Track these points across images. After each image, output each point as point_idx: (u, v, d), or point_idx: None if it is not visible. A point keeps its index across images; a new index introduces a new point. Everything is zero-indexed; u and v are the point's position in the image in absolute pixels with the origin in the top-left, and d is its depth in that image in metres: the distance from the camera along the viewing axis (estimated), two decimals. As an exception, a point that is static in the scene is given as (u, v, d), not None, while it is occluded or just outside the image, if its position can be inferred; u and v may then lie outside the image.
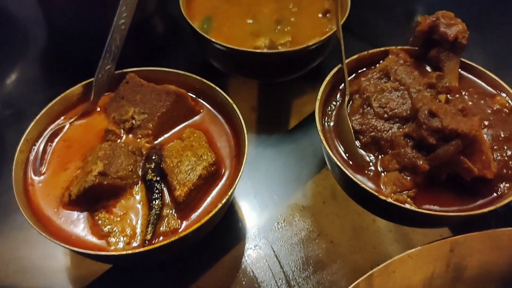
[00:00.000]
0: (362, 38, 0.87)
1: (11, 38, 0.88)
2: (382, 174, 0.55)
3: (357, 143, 0.58)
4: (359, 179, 0.54)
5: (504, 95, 0.61)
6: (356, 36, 0.87)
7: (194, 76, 0.62)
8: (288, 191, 0.66)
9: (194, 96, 0.63)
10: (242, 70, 0.74)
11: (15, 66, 0.83)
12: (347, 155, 0.57)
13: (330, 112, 0.62)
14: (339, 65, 0.63)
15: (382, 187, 0.54)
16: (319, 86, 0.80)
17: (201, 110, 0.62)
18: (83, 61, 0.82)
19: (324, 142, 0.56)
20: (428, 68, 0.65)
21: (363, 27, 0.89)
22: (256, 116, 0.76)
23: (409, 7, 0.95)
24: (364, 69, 0.66)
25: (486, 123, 0.59)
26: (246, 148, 0.54)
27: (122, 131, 0.59)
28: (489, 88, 0.63)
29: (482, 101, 0.61)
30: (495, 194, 0.53)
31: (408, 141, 0.55)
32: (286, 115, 0.76)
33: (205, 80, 0.61)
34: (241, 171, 0.52)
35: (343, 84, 0.63)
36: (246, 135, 0.55)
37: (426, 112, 0.53)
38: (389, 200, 0.51)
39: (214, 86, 0.60)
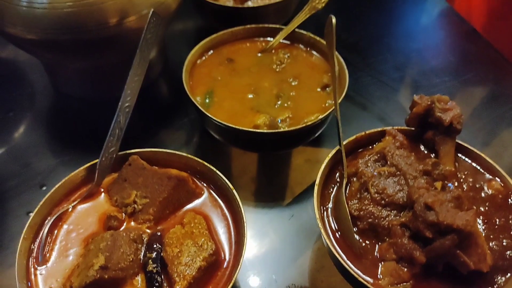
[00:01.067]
0: (360, 104, 0.89)
1: (19, 98, 0.90)
2: (380, 263, 0.56)
3: (355, 228, 0.59)
4: (355, 269, 0.55)
5: (498, 180, 0.63)
6: (354, 101, 0.89)
7: (195, 158, 0.63)
8: (286, 270, 0.66)
9: (195, 178, 0.64)
10: (241, 144, 0.76)
11: (18, 130, 0.85)
12: (345, 240, 0.59)
13: (329, 194, 0.63)
14: (337, 147, 0.65)
15: (379, 277, 0.55)
16: (319, 155, 0.82)
17: (202, 193, 0.63)
18: (86, 127, 0.86)
19: (322, 230, 0.57)
20: (424, 149, 0.67)
21: (359, 92, 0.91)
22: (255, 188, 0.77)
23: (405, 73, 0.98)
24: (361, 149, 0.68)
25: (481, 209, 0.60)
26: (245, 239, 0.55)
27: (124, 215, 0.60)
28: (484, 172, 0.64)
29: (478, 185, 0.63)
30: (492, 287, 0.54)
31: (405, 230, 0.56)
32: (285, 187, 0.77)
33: (206, 163, 0.63)
34: (240, 262, 0.53)
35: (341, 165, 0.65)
36: (245, 224, 0.56)
37: (422, 204, 0.54)
38: (386, 296, 0.52)
39: (214, 169, 0.62)
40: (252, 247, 0.68)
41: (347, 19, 1.10)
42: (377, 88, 0.93)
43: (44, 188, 0.75)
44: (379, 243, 0.57)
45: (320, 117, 0.70)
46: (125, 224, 0.59)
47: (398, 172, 0.61)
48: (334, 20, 0.66)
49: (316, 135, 0.77)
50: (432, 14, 1.16)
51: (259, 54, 0.84)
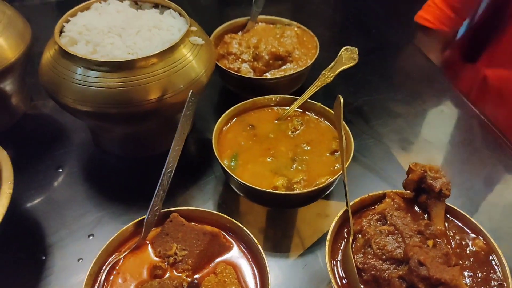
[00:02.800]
0: (363, 164, 1.02)
1: (66, 155, 1.03)
2: (382, 310, 0.67)
3: (360, 279, 0.70)
4: (362, 315, 0.66)
5: (481, 238, 0.74)
6: (358, 161, 1.02)
7: (225, 216, 0.75)
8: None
9: (225, 233, 0.76)
10: (262, 201, 0.89)
11: (66, 184, 0.98)
12: (352, 289, 0.70)
13: (337, 248, 0.75)
14: (345, 208, 0.77)
15: (381, 321, 0.66)
16: (328, 210, 0.94)
17: (232, 246, 0.74)
18: (127, 182, 0.98)
19: (333, 280, 0.68)
20: (419, 210, 0.79)
21: (362, 153, 1.04)
22: (272, 239, 0.88)
23: (403, 135, 1.11)
24: (365, 209, 0.80)
25: (467, 263, 0.71)
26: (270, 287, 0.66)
27: (166, 265, 0.71)
28: (469, 231, 0.76)
29: (464, 243, 0.74)
30: (475, 332, 0.64)
31: (403, 282, 0.67)
32: (299, 238, 0.89)
33: (234, 221, 0.75)
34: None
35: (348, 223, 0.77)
36: (269, 274, 0.67)
37: (416, 261, 0.66)
38: (387, 338, 0.62)
39: (242, 226, 0.74)
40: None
41: (353, 85, 1.24)
42: (379, 149, 1.06)
43: (92, 237, 0.87)
44: (381, 292, 0.69)
45: (330, 180, 0.83)
46: (168, 273, 0.71)
47: (396, 231, 0.73)
48: (341, 101, 0.80)
49: (327, 193, 0.89)
50: (429, 84, 1.30)
51: (276, 121, 0.98)
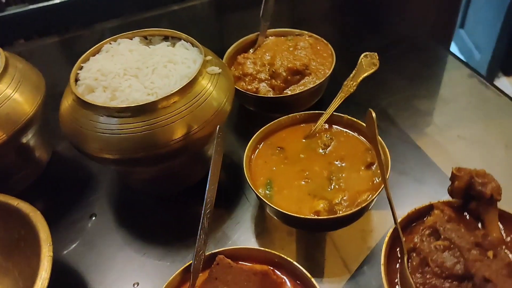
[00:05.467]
0: (401, 172, 0.99)
1: (97, 201, 1.02)
2: (451, 332, 0.64)
3: (423, 300, 0.67)
4: None
5: (542, 240, 0.71)
6: (395, 169, 0.99)
7: (273, 252, 0.73)
8: None
9: (275, 269, 0.73)
10: (304, 227, 0.86)
11: (102, 232, 0.96)
12: (415, 312, 0.67)
13: (392, 270, 0.72)
14: (394, 226, 0.74)
15: None
16: (370, 224, 0.91)
17: (284, 282, 0.72)
18: (162, 222, 0.96)
19: (395, 308, 0.65)
20: (470, 218, 0.76)
21: (395, 158, 1.01)
22: (320, 265, 0.86)
23: (433, 135, 1.07)
24: (415, 224, 0.77)
25: (531, 270, 0.68)
26: (332, 324, 0.64)
27: (221, 311, 0.69)
28: (527, 234, 0.72)
29: (524, 247, 0.71)
30: None
31: (468, 301, 0.64)
32: (347, 260, 0.86)
33: (283, 255, 0.72)
34: None
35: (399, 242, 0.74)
36: (329, 310, 0.65)
37: (480, 277, 0.63)
38: None
39: (291, 260, 0.71)
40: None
41: (372, 86, 1.20)
42: (412, 153, 1.03)
43: (137, 286, 0.85)
44: (447, 313, 0.66)
45: (371, 197, 0.80)
46: (223, 319, 0.69)
47: (452, 245, 0.70)
48: (374, 115, 0.77)
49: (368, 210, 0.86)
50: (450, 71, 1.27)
51: (304, 140, 0.95)
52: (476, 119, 1.11)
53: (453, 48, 3.16)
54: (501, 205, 0.74)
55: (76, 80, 0.90)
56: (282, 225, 0.90)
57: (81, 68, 0.92)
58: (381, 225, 0.90)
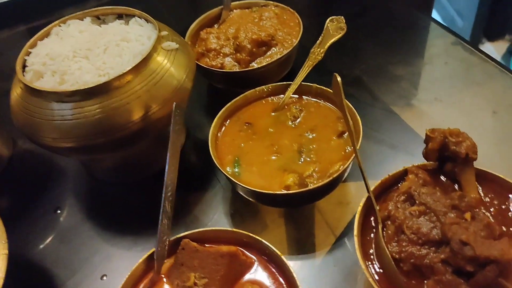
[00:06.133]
0: (374, 138, 0.95)
1: (62, 194, 0.96)
2: (431, 301, 0.61)
3: (400, 270, 0.64)
4: (410, 311, 0.60)
5: (522, 198, 0.67)
6: (369, 137, 0.94)
7: (241, 231, 0.69)
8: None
9: (243, 249, 0.69)
10: (276, 204, 0.82)
11: (68, 226, 0.91)
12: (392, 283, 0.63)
13: (368, 241, 0.68)
14: (367, 195, 0.70)
15: (432, 313, 0.60)
16: (348, 196, 0.87)
17: (253, 262, 0.68)
18: (130, 211, 0.92)
19: (371, 280, 0.61)
20: (445, 180, 0.72)
21: (371, 126, 0.96)
22: (295, 241, 0.82)
23: (410, 99, 1.03)
24: (388, 190, 0.73)
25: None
26: (303, 302, 0.60)
27: (188, 298, 0.65)
28: (506, 192, 0.68)
29: (504, 207, 0.67)
30: (538, 305, 0.58)
31: (447, 266, 0.60)
32: (323, 234, 0.82)
33: (251, 234, 0.68)
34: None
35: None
36: (299, 286, 0.61)
37: (458, 241, 0.59)
38: (443, 333, 0.56)
39: (261, 239, 0.67)
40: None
41: (345, 55, 1.16)
42: (388, 120, 0.98)
43: (105, 278, 0.80)
44: (426, 281, 0.62)
45: (343, 167, 0.76)
46: (191, 306, 0.65)
47: (428, 210, 0.66)
48: (339, 79, 0.72)
49: (343, 179, 0.82)
50: (424, 36, 1.22)
51: (273, 113, 0.90)
52: (460, 85, 1.07)
53: (435, 15, 3.11)
54: (495, 171, 0.70)
55: (24, 66, 0.85)
56: (255, 204, 0.86)
57: (28, 53, 0.86)
58: (359, 197, 0.85)
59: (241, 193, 0.83)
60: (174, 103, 0.72)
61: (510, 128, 0.95)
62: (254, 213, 0.87)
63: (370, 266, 0.65)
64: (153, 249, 0.68)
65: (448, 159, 0.71)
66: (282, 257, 0.64)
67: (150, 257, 0.68)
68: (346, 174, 0.81)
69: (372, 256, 0.67)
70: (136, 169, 0.94)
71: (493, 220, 0.65)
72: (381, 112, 1.00)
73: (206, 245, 0.69)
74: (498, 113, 0.98)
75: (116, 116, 0.77)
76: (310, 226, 0.84)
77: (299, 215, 0.86)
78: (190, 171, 0.98)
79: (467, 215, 0.64)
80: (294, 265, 0.77)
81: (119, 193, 0.95)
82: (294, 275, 0.62)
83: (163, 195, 0.69)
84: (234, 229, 0.69)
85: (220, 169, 0.79)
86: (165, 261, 0.69)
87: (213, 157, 0.81)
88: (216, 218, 0.87)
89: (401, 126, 0.96)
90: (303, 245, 0.81)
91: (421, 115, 0.99)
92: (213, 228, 0.70)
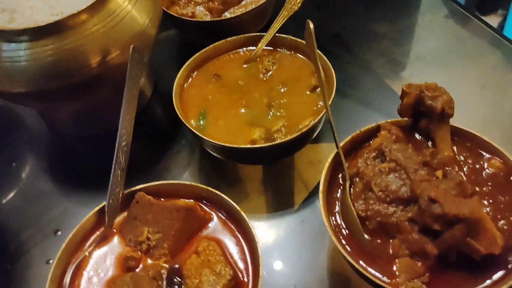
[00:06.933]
0: (350, 95, 0.90)
1: (19, 146, 0.91)
2: (394, 260, 0.57)
3: (365, 228, 0.60)
4: (370, 270, 0.56)
5: (497, 157, 0.63)
6: (345, 95, 0.90)
7: (199, 185, 0.64)
8: (306, 277, 0.68)
9: (202, 204, 0.65)
10: (242, 160, 0.77)
11: (23, 179, 0.86)
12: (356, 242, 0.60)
13: (334, 198, 0.64)
14: (336, 151, 0.65)
15: (395, 274, 0.56)
16: (319, 155, 0.83)
17: (212, 217, 0.64)
18: (88, 165, 0.87)
19: (333, 237, 0.58)
20: (420, 138, 0.68)
21: (348, 84, 0.92)
22: (262, 199, 0.78)
23: (390, 57, 0.98)
24: (360, 147, 0.69)
25: (485, 189, 0.61)
26: (261, 259, 0.56)
27: (140, 253, 0.61)
28: (482, 152, 0.65)
29: (478, 166, 0.64)
30: (506, 268, 0.55)
31: (414, 225, 0.57)
32: (291, 193, 0.78)
33: (210, 189, 0.64)
34: (259, 282, 0.54)
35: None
36: (258, 244, 0.57)
37: (426, 199, 0.55)
38: (405, 293, 0.53)
39: (220, 194, 0.63)
40: (269, 260, 0.69)
41: (326, 11, 1.10)
42: (367, 78, 0.93)
43: (59, 233, 0.76)
44: (391, 240, 0.59)
45: (313, 122, 0.71)
46: (142, 261, 0.61)
47: (398, 167, 0.62)
48: (311, 26, 0.66)
49: (314, 136, 0.78)
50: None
51: (245, 65, 0.85)
52: (439, 37, 1.02)
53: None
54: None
55: (-29, 3, 0.77)
56: (222, 161, 0.81)
57: (-23, -10, 0.78)
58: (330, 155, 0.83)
59: (206, 148, 0.78)
60: (132, 45, 0.67)
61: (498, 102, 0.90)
62: (221, 170, 0.83)
63: (335, 223, 0.62)
64: (105, 203, 0.64)
65: (423, 115, 0.66)
66: (242, 213, 0.60)
67: (102, 211, 0.64)
68: (317, 130, 0.76)
69: (337, 214, 0.63)
70: (96, 122, 0.89)
71: (466, 179, 0.61)
72: (359, 70, 0.94)
73: (164, 199, 0.65)
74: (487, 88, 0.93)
75: (70, 60, 0.71)
76: (278, 185, 0.80)
77: (268, 173, 0.82)
78: (156, 125, 0.92)
79: (439, 173, 0.61)
80: (259, 224, 0.74)
81: (78, 147, 0.89)
82: (253, 231, 0.58)
83: (116, 144, 0.64)
84: (193, 183, 0.65)
85: (183, 121, 0.74)
86: (120, 216, 0.65)
87: (176, 109, 0.76)
88: (180, 174, 0.82)
89: (378, 85, 0.91)
90: (270, 204, 0.77)
91: (401, 75, 0.95)
92: (170, 181, 0.66)
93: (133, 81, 0.66)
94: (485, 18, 1.04)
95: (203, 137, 0.71)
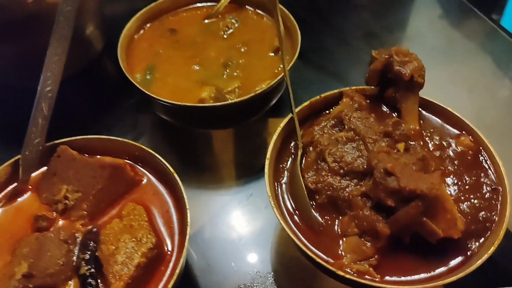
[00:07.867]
0: (319, 66, 0.83)
1: None
2: (342, 239, 0.50)
3: (313, 203, 0.53)
4: (314, 249, 0.49)
5: (467, 134, 0.57)
6: (314, 64, 0.82)
7: (132, 142, 0.57)
8: (247, 256, 0.61)
9: (134, 164, 0.57)
10: (190, 122, 0.70)
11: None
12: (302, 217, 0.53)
13: (283, 168, 0.57)
14: (290, 115, 0.58)
15: (341, 254, 0.50)
16: (277, 126, 0.76)
17: (143, 179, 0.56)
18: (12, 118, 0.77)
19: (275, 210, 0.51)
20: (386, 109, 0.61)
21: (319, 54, 0.84)
22: (210, 169, 0.71)
23: (367, 29, 0.90)
24: (318, 115, 0.61)
25: (450, 168, 0.55)
26: (188, 227, 0.49)
27: (55, 213, 0.53)
28: (452, 127, 0.58)
29: (445, 143, 0.57)
30: (465, 254, 0.49)
31: (367, 201, 0.50)
32: (242, 164, 0.71)
33: (143, 147, 0.56)
34: (184, 253, 0.47)
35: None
36: (188, 211, 0.50)
37: (381, 170, 0.48)
38: (348, 276, 0.46)
39: (153, 153, 0.55)
40: (207, 235, 0.62)
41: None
42: (340, 49, 0.86)
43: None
44: (340, 217, 0.52)
45: (271, 83, 0.64)
46: (56, 223, 0.53)
47: (356, 137, 0.55)
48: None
49: (272, 104, 0.70)
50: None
51: (206, 21, 0.77)
52: (420, 11, 0.95)
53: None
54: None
55: None
56: (172, 124, 0.73)
57: None
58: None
59: (154, 110, 0.70)
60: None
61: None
62: (168, 137, 0.75)
63: (280, 196, 0.55)
64: (19, 156, 0.55)
65: (391, 83, 0.59)
66: (175, 175, 0.53)
67: (16, 164, 0.56)
68: (275, 97, 0.69)
69: (283, 185, 0.56)
70: (29, 72, 0.79)
71: (430, 156, 0.55)
72: (333, 40, 0.87)
73: (91, 156, 0.57)
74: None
75: (-1, -8, 0.62)
76: (227, 155, 0.72)
77: (218, 143, 0.74)
78: (105, 80, 0.84)
79: (401, 146, 0.54)
80: (201, 195, 0.67)
81: (14, 98, 0.80)
82: (185, 197, 0.51)
83: (39, 88, 0.56)
84: (125, 140, 0.57)
85: (126, 74, 0.66)
86: (39, 171, 0.57)
87: (120, 61, 0.67)
88: (123, 136, 0.74)
89: (351, 57, 0.84)
90: (215, 176, 0.70)
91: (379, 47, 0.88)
92: (99, 136, 0.58)
93: (65, 18, 0.58)
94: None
95: (146, 92, 0.63)
